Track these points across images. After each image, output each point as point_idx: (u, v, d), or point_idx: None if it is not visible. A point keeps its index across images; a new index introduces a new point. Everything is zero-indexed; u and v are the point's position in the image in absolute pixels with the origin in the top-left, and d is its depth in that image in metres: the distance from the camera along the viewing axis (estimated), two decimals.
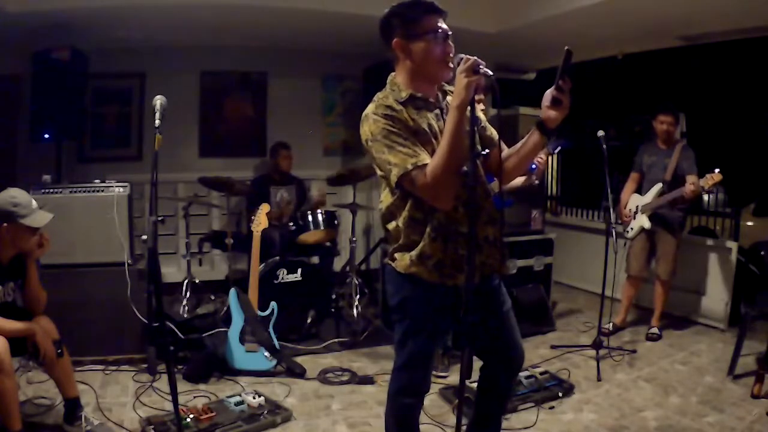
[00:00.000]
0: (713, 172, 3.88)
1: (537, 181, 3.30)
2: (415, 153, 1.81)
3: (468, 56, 1.73)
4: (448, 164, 1.75)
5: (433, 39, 1.85)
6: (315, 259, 4.93)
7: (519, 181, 3.26)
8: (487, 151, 2.01)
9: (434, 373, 3.52)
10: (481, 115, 2.04)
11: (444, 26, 1.87)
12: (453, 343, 3.64)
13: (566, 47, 1.69)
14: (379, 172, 1.92)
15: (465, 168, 1.81)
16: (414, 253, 1.92)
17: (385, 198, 1.99)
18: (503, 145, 2.02)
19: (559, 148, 3.95)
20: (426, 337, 2.02)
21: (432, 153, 1.83)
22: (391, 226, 1.98)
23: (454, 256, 1.91)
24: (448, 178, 1.78)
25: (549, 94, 1.77)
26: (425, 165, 1.79)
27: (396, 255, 1.98)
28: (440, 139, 1.84)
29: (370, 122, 1.86)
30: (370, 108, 1.89)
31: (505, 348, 2.09)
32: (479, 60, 1.71)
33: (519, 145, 1.96)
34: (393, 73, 1.98)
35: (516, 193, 4.00)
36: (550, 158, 4.10)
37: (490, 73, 1.71)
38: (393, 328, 2.08)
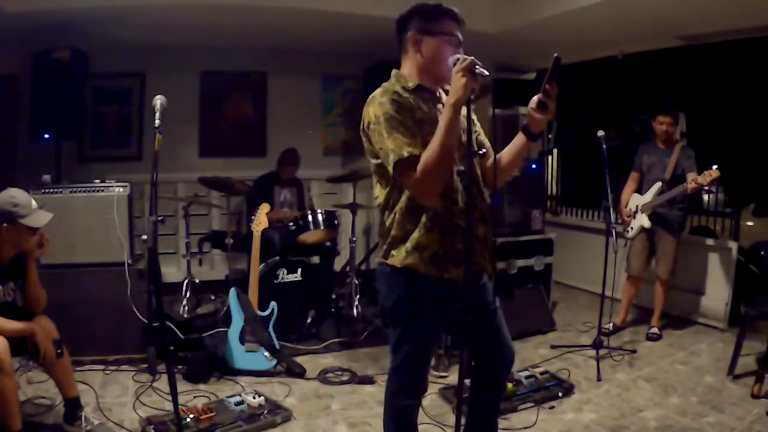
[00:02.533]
0: (710, 168, 3.88)
1: (517, 174, 3.32)
2: (413, 142, 1.82)
3: (465, 56, 1.74)
4: (439, 161, 1.76)
5: (447, 41, 1.90)
6: (315, 259, 4.93)
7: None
8: (483, 150, 2.03)
9: (435, 373, 3.53)
10: (474, 117, 2.04)
11: (459, 35, 1.92)
12: (451, 343, 3.64)
13: (555, 54, 1.71)
14: (373, 161, 1.92)
15: (462, 167, 1.82)
16: (409, 243, 1.92)
17: (379, 192, 1.99)
18: (491, 151, 2.06)
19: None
20: (422, 337, 2.02)
21: None
22: (388, 216, 1.97)
23: (450, 249, 1.91)
24: (436, 174, 1.78)
25: (536, 98, 1.81)
26: (418, 156, 1.79)
27: (392, 252, 1.96)
28: None
29: (376, 105, 1.87)
30: (377, 92, 1.91)
31: (495, 345, 2.09)
32: (476, 60, 1.72)
33: (506, 150, 2.01)
34: (396, 70, 2.00)
35: (516, 193, 4.01)
36: (549, 158, 4.11)
37: (486, 73, 1.72)
38: (387, 328, 2.08)
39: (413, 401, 2.12)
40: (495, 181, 1.95)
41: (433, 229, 1.90)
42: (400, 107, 1.85)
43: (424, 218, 1.90)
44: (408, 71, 1.97)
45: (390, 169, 1.85)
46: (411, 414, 2.14)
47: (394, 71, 1.99)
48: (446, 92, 2.00)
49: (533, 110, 1.81)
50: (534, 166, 3.72)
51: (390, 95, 1.87)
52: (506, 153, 2.01)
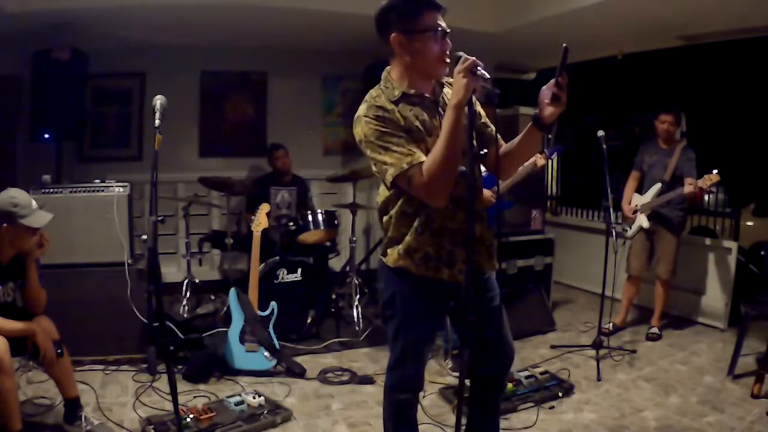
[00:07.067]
0: (711, 173, 3.89)
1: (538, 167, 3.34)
2: (410, 152, 1.81)
3: (467, 56, 1.72)
4: (445, 162, 1.75)
5: (432, 36, 1.84)
6: (311, 259, 4.93)
7: (522, 170, 3.31)
8: (485, 151, 2.01)
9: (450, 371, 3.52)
10: (480, 110, 2.03)
11: (443, 23, 1.86)
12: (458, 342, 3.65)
13: (564, 44, 1.70)
14: (374, 169, 1.92)
15: (463, 168, 1.82)
16: (401, 246, 1.95)
17: (382, 192, 2.00)
18: (501, 141, 2.02)
19: (555, 153, 3.99)
20: (416, 332, 2.04)
21: (426, 150, 1.83)
22: (385, 219, 2.00)
23: (441, 251, 1.93)
24: (444, 177, 1.78)
25: (548, 90, 1.77)
26: (421, 163, 1.79)
27: (388, 250, 2.00)
28: (435, 136, 1.83)
29: (363, 124, 1.86)
30: (362, 110, 1.88)
31: (495, 344, 2.09)
32: (478, 61, 1.70)
33: (516, 140, 1.97)
34: (387, 68, 1.97)
35: (516, 193, 4.02)
36: (549, 160, 4.12)
37: (488, 76, 1.70)
38: (387, 324, 2.10)
39: (410, 396, 2.13)
40: (498, 168, 1.93)
41: (424, 233, 1.92)
42: (386, 121, 1.83)
43: (416, 222, 1.92)
44: (396, 74, 1.92)
45: (387, 184, 1.85)
46: (409, 410, 2.15)
47: (384, 73, 1.96)
48: (441, 85, 2.00)
49: (547, 103, 1.78)
50: (558, 151, 3.83)
51: (374, 111, 1.84)
52: (516, 143, 1.97)
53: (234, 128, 5.85)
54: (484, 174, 2.21)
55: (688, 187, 3.99)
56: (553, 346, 4.15)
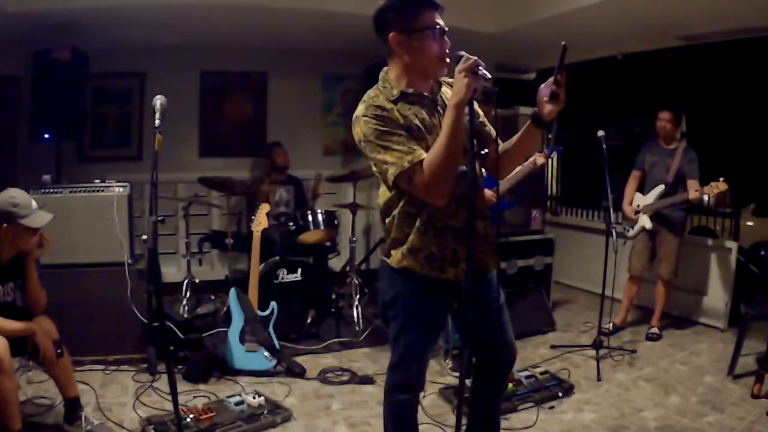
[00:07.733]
0: (719, 180, 3.88)
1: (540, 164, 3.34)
2: (411, 150, 1.81)
3: (469, 55, 1.72)
4: (446, 161, 1.75)
5: (431, 35, 1.84)
6: (311, 259, 4.93)
7: (522, 170, 3.31)
8: (485, 150, 2.02)
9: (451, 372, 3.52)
10: (478, 110, 2.04)
11: (441, 22, 1.86)
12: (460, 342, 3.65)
13: (563, 42, 1.71)
14: (374, 169, 1.92)
15: (464, 168, 1.82)
16: (405, 246, 1.94)
17: (383, 193, 2.00)
18: (499, 140, 2.03)
19: (554, 152, 4.00)
20: (419, 333, 2.03)
21: (426, 149, 1.83)
22: (388, 220, 2.00)
23: (445, 250, 1.93)
24: (445, 175, 1.78)
25: (547, 88, 1.78)
26: (422, 161, 1.79)
27: (391, 251, 1.99)
28: (435, 134, 1.84)
29: (362, 124, 1.86)
30: (360, 109, 1.88)
31: (497, 344, 2.09)
32: (479, 61, 1.71)
33: (515, 138, 1.98)
34: (385, 68, 1.97)
35: (516, 193, 4.03)
36: (548, 160, 4.12)
37: (489, 76, 1.70)
38: (388, 325, 2.09)
39: (411, 397, 2.12)
40: (497, 167, 1.95)
41: (428, 232, 1.92)
42: (385, 120, 1.83)
43: (418, 222, 1.92)
44: (394, 74, 1.92)
45: (390, 183, 1.85)
46: (409, 411, 2.15)
47: (382, 73, 1.96)
48: (439, 84, 2.00)
49: (546, 101, 1.78)
50: (558, 151, 3.86)
51: (373, 110, 1.84)
52: (515, 141, 1.98)
53: (234, 128, 5.84)
54: (484, 175, 2.21)
55: (694, 194, 4.00)
56: (553, 346, 4.15)
